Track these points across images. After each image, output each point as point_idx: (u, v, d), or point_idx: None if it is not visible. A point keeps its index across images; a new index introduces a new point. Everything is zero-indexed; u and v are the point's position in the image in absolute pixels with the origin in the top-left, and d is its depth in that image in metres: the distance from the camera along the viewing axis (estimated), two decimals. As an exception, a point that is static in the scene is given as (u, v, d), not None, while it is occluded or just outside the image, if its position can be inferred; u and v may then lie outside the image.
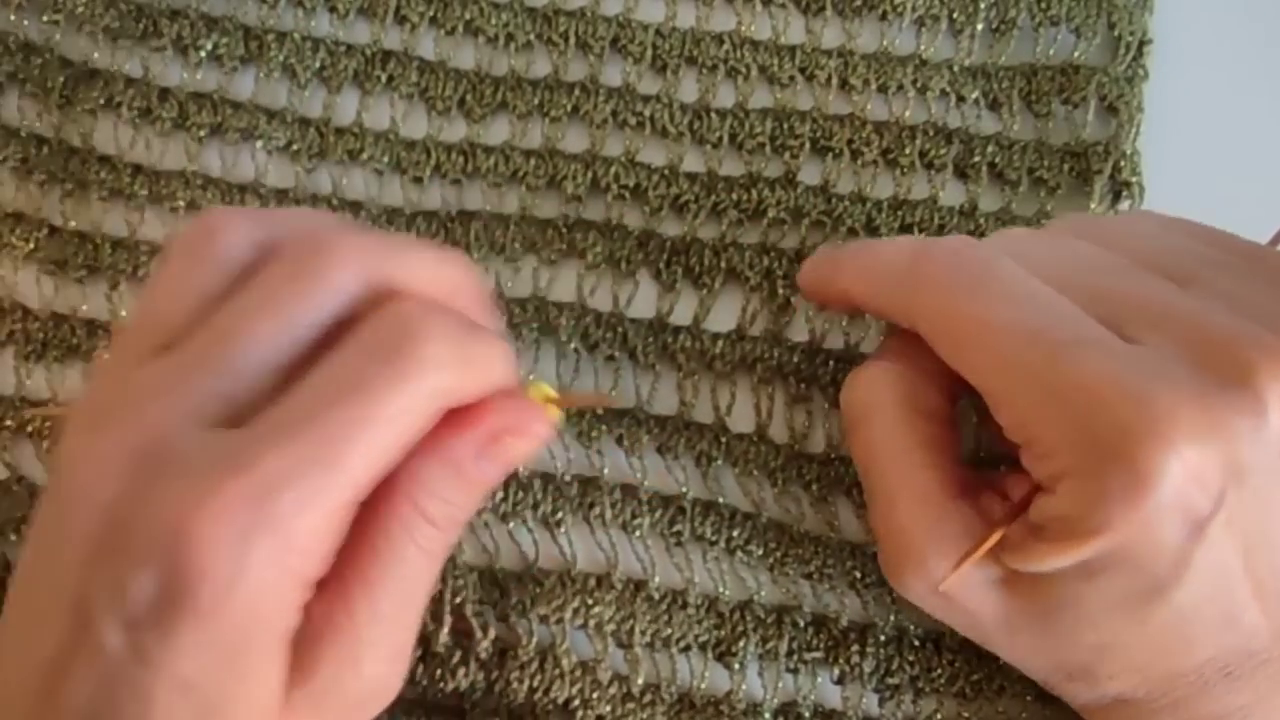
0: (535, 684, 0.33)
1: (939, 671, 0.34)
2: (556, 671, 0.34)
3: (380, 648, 0.27)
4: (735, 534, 0.35)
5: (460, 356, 0.27)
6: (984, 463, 0.35)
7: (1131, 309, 0.28)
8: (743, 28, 0.40)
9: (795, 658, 0.34)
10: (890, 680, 0.34)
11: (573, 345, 0.37)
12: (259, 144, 0.39)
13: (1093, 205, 0.37)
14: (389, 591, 0.27)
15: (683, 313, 0.37)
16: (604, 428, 0.36)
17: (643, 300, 0.37)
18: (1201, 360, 0.26)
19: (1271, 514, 0.27)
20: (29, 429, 0.36)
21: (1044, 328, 0.28)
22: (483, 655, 0.34)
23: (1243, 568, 0.27)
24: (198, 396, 0.26)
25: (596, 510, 0.35)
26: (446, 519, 0.28)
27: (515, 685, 0.33)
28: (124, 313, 0.37)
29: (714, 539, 0.35)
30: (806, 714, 0.34)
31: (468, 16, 0.40)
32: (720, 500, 0.36)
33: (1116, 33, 0.39)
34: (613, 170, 0.38)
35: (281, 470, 0.24)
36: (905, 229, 0.38)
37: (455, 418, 0.27)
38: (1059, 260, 0.30)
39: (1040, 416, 0.28)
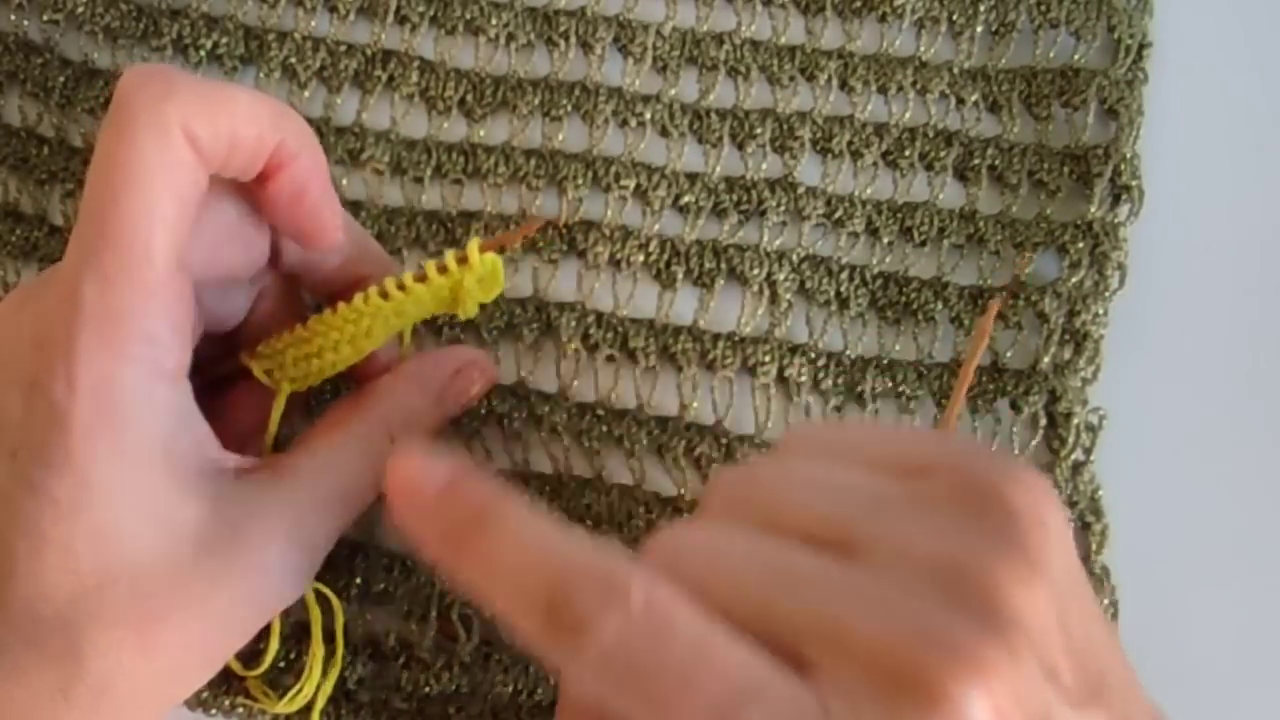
0: (520, 686, 0.33)
1: None
2: (542, 674, 0.34)
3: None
4: None
5: (180, 90, 0.27)
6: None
7: (800, 630, 0.22)
8: (743, 28, 0.40)
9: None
10: None
11: (573, 345, 0.36)
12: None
13: (1093, 209, 0.37)
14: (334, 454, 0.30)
15: (683, 313, 0.37)
16: (604, 429, 0.36)
17: (643, 300, 0.37)
18: (883, 688, 0.21)
19: None
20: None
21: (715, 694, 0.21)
22: (466, 659, 0.34)
23: None
24: None
25: (594, 511, 0.35)
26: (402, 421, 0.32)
27: (500, 688, 0.33)
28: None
29: None
30: None
31: (468, 16, 0.40)
32: (719, 501, 0.36)
33: (1116, 36, 0.39)
34: (613, 170, 0.38)
35: (74, 261, 0.26)
36: (905, 231, 0.38)
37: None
38: (722, 571, 0.24)
39: None
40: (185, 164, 0.27)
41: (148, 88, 0.27)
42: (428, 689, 0.34)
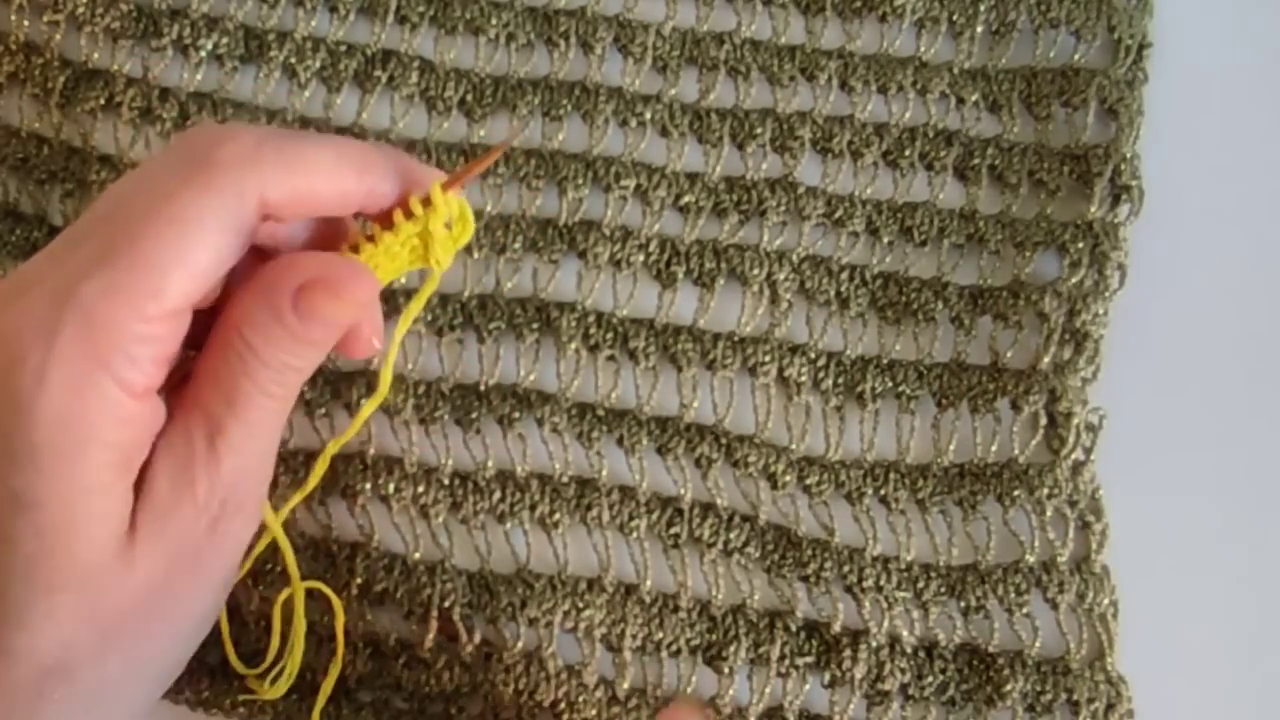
0: (521, 686, 0.33)
1: (930, 679, 0.34)
2: (542, 674, 0.34)
3: (220, 473, 0.28)
4: (733, 536, 0.35)
5: (267, 156, 0.27)
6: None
7: None
8: (743, 28, 0.40)
9: (786, 662, 0.34)
10: (881, 686, 0.34)
11: (573, 345, 0.36)
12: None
13: (1093, 209, 0.37)
14: (225, 419, 0.28)
15: (683, 313, 0.37)
16: (604, 429, 0.36)
17: (643, 300, 0.37)
18: None
19: None
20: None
21: None
22: (468, 659, 0.34)
23: None
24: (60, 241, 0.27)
25: (594, 512, 0.35)
26: (279, 363, 0.28)
27: (501, 688, 0.33)
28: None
29: (711, 541, 0.35)
30: (792, 718, 0.34)
31: (468, 16, 0.40)
32: (719, 502, 0.36)
33: (1116, 36, 0.39)
34: (613, 170, 0.38)
35: (80, 262, 0.25)
36: (905, 231, 0.38)
37: (284, 263, 0.28)
38: None
39: None
40: (245, 230, 0.27)
41: (236, 149, 0.27)
42: (428, 688, 0.34)
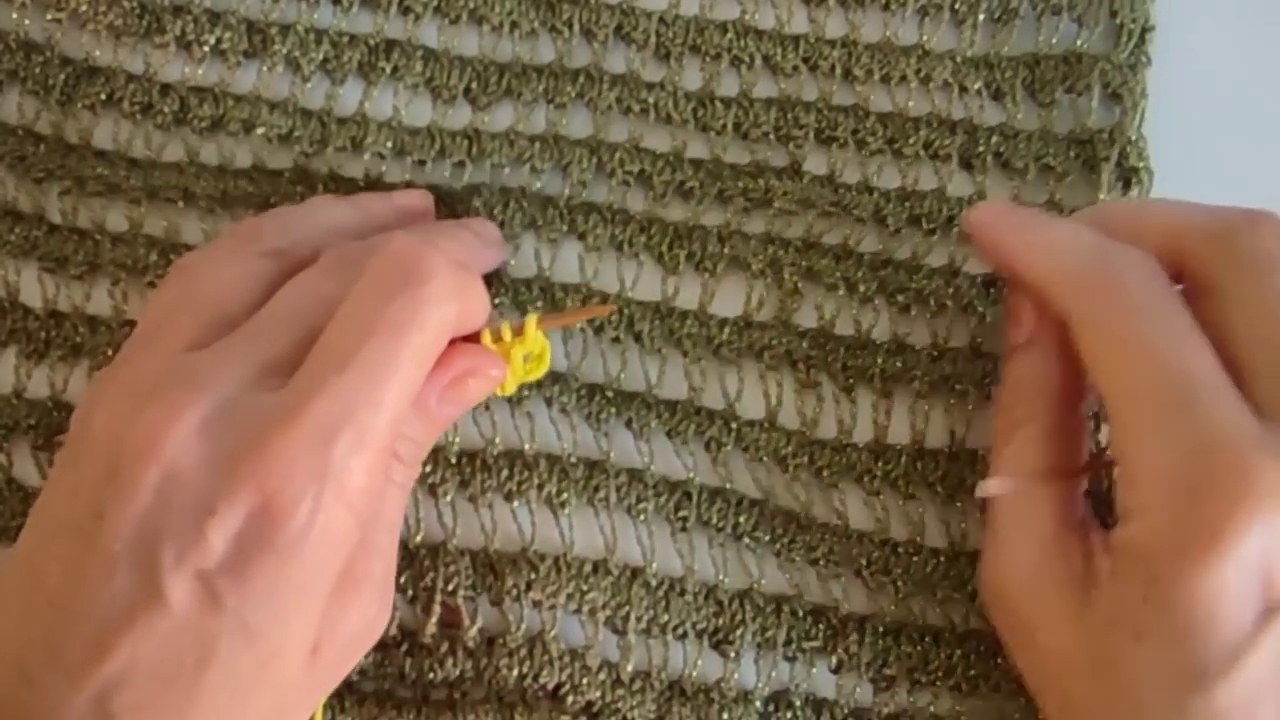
0: (524, 670, 0.33)
1: (936, 664, 0.34)
2: (545, 658, 0.33)
3: (375, 582, 0.29)
4: (742, 520, 0.35)
5: (459, 289, 0.28)
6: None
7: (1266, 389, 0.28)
8: (746, 16, 0.40)
9: (793, 646, 0.34)
10: (887, 671, 0.34)
11: (578, 326, 0.36)
12: (259, 131, 0.38)
13: (1101, 194, 0.37)
14: (376, 526, 0.29)
15: (688, 297, 0.37)
16: (613, 410, 0.35)
17: (647, 283, 0.37)
18: None
19: None
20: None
21: (1193, 371, 0.28)
22: (470, 644, 0.33)
23: None
24: (249, 366, 0.27)
25: (601, 493, 0.34)
26: (412, 456, 0.30)
27: (504, 672, 0.33)
28: (127, 307, 0.37)
29: (720, 524, 0.35)
30: (798, 703, 0.33)
31: (471, 5, 0.40)
32: (728, 486, 0.35)
33: (1118, 20, 0.39)
34: (617, 155, 0.38)
35: (332, 411, 0.26)
36: (914, 220, 0.38)
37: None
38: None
39: (1154, 450, 0.27)
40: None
41: (441, 287, 0.28)
42: (431, 675, 0.33)
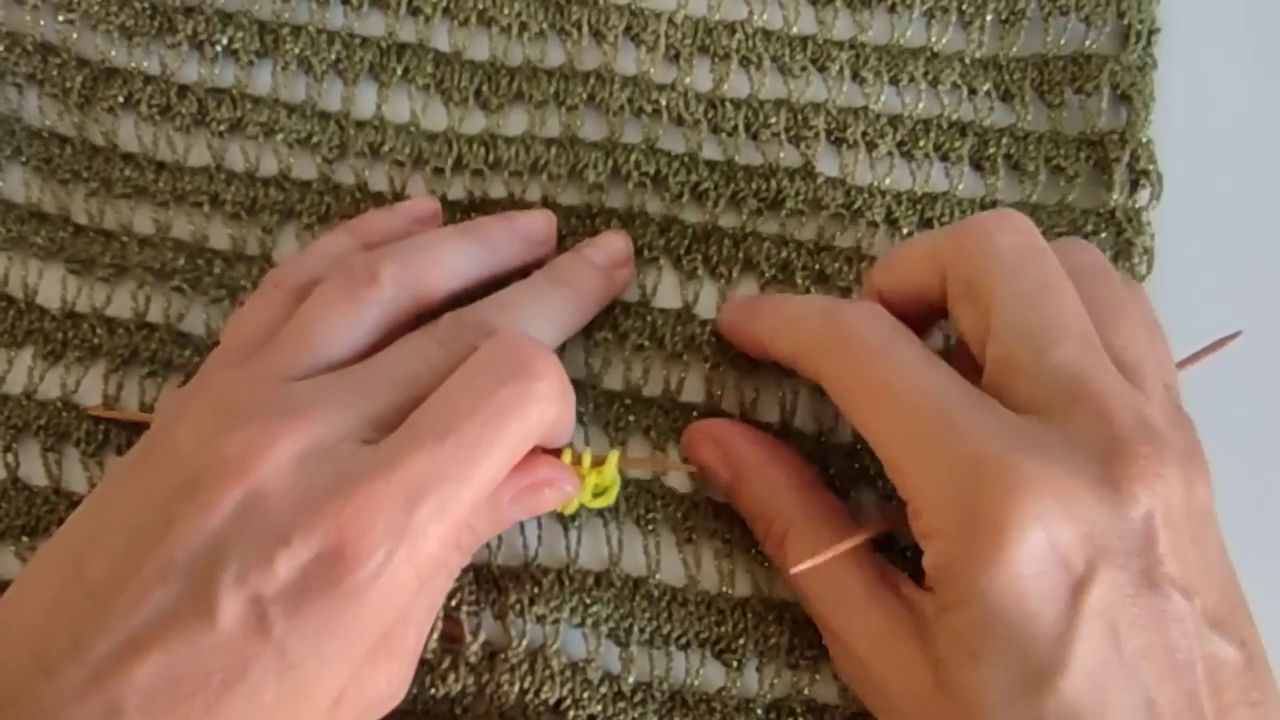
0: (525, 685, 0.33)
1: None
2: (547, 672, 0.33)
3: (407, 651, 0.30)
4: (749, 529, 0.35)
5: (563, 395, 0.29)
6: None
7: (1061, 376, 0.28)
8: (754, 17, 0.40)
9: (796, 654, 0.34)
10: None
11: (602, 333, 0.37)
12: (279, 137, 0.39)
13: (1114, 195, 0.38)
14: (420, 600, 0.30)
15: (707, 304, 0.37)
16: (630, 419, 0.36)
17: (665, 290, 0.37)
18: (1090, 443, 0.27)
19: (1152, 607, 0.26)
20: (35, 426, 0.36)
21: (938, 394, 0.29)
22: (472, 659, 0.33)
23: (1146, 668, 0.26)
24: (354, 414, 0.28)
25: (611, 505, 0.35)
26: (470, 547, 0.31)
27: (506, 688, 0.33)
28: (145, 309, 0.37)
29: (727, 535, 0.35)
30: (799, 709, 0.34)
31: (480, 7, 0.40)
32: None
33: (1126, 21, 0.40)
34: (633, 157, 0.38)
35: (424, 475, 0.27)
36: (925, 222, 0.38)
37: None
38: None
39: (924, 477, 0.28)
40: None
41: (556, 388, 0.29)
42: (433, 691, 0.33)
